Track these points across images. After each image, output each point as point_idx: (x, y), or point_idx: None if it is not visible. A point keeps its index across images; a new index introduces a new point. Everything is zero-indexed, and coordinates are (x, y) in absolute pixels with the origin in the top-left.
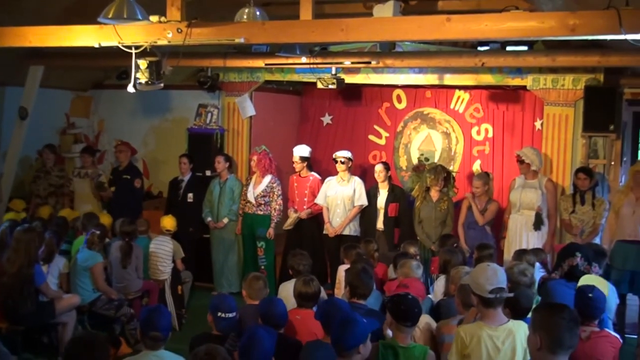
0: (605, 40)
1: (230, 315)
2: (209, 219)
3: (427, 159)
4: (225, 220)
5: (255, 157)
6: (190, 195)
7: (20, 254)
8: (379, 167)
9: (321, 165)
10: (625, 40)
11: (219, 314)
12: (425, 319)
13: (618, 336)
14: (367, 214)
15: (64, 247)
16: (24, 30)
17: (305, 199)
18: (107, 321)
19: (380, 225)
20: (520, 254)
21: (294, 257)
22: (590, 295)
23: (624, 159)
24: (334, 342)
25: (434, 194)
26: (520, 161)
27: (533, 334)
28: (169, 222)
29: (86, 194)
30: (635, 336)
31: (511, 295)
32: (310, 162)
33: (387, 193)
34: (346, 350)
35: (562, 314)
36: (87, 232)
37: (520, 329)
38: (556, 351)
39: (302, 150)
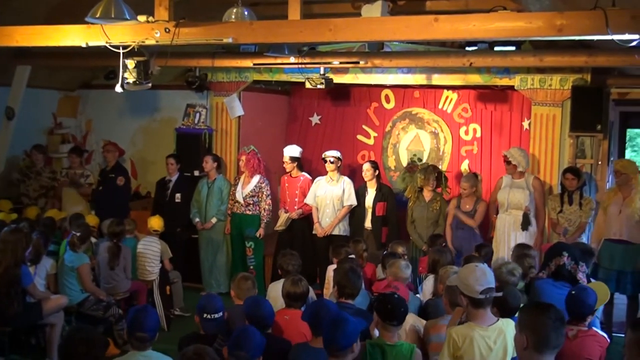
0: (592, 40)
1: (216, 315)
2: (197, 219)
3: (419, 159)
4: (214, 221)
5: (243, 157)
6: (178, 195)
7: (7, 254)
8: (366, 166)
9: (310, 165)
10: (612, 40)
11: (205, 315)
12: (411, 319)
13: (606, 335)
14: (356, 214)
15: (51, 248)
16: (10, 29)
17: (296, 199)
18: (95, 322)
19: (368, 224)
20: (521, 257)
21: (283, 257)
22: (579, 295)
23: (611, 158)
24: (327, 342)
25: (427, 194)
26: (507, 162)
27: (519, 333)
28: (156, 222)
29: (74, 195)
30: (623, 335)
31: (500, 294)
32: (300, 162)
33: (375, 192)
34: (340, 350)
35: (548, 313)
36: (69, 234)
37: (509, 327)
38: (542, 350)
39: (292, 151)
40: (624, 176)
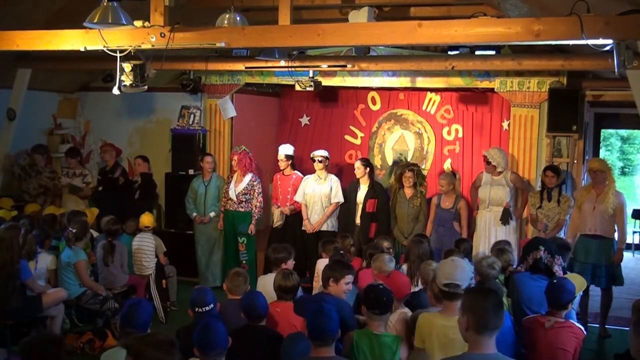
0: (568, 45)
1: (207, 308)
2: (195, 214)
3: (405, 159)
4: (212, 214)
5: (236, 157)
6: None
7: (3, 250)
8: (357, 164)
9: (300, 164)
10: (587, 45)
11: (196, 308)
12: (401, 309)
13: (582, 328)
14: (346, 209)
15: (53, 244)
16: (11, 34)
17: (288, 196)
18: (93, 315)
19: (358, 219)
20: (499, 252)
21: (273, 250)
22: (561, 283)
23: (587, 157)
24: (311, 328)
25: (407, 191)
26: (487, 162)
27: (462, 315)
28: (147, 219)
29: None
30: (597, 325)
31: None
32: (293, 161)
33: (367, 189)
34: (324, 334)
35: (488, 297)
36: (66, 230)
37: None
38: (482, 332)
39: (287, 149)
40: (601, 174)
